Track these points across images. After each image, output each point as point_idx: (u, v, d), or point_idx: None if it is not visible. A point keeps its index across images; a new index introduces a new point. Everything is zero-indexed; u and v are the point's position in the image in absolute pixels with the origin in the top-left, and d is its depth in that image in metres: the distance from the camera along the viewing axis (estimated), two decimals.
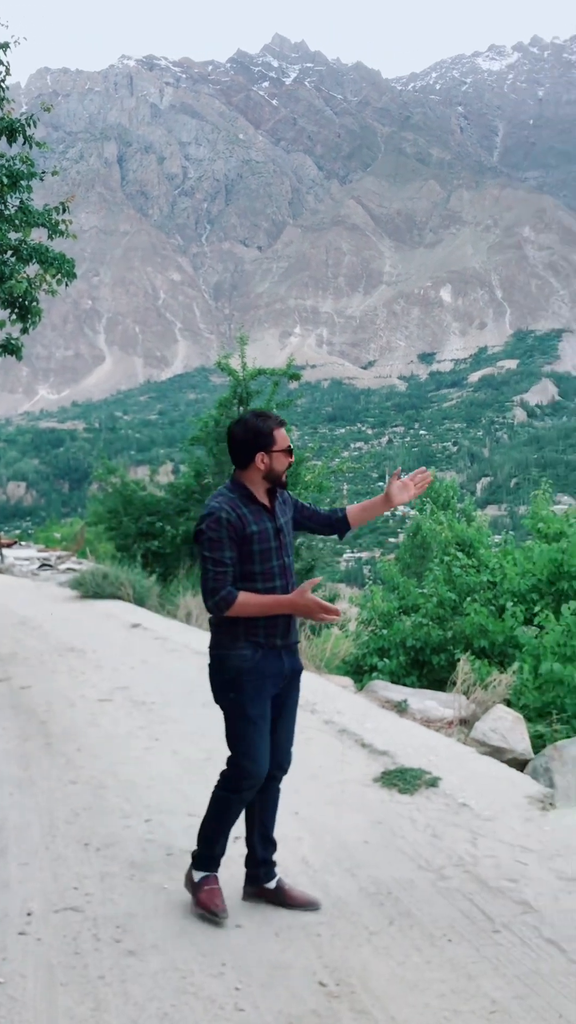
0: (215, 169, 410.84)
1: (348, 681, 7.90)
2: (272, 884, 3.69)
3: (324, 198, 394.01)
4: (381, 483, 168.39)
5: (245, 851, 3.77)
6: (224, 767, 3.65)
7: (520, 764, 5.57)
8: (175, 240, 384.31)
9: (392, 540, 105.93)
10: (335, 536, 3.98)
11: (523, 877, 3.84)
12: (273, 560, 3.58)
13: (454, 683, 7.03)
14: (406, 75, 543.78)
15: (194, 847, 3.74)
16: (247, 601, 3.47)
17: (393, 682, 8.63)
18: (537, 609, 8.72)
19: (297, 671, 3.72)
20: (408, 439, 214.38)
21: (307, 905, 3.62)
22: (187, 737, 6.00)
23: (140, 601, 12.44)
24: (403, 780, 4.98)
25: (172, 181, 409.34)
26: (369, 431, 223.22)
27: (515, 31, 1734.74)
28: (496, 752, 5.57)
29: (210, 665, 3.65)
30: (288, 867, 3.93)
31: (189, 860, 3.78)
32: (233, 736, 3.58)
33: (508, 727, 5.83)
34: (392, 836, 4.32)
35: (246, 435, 3.56)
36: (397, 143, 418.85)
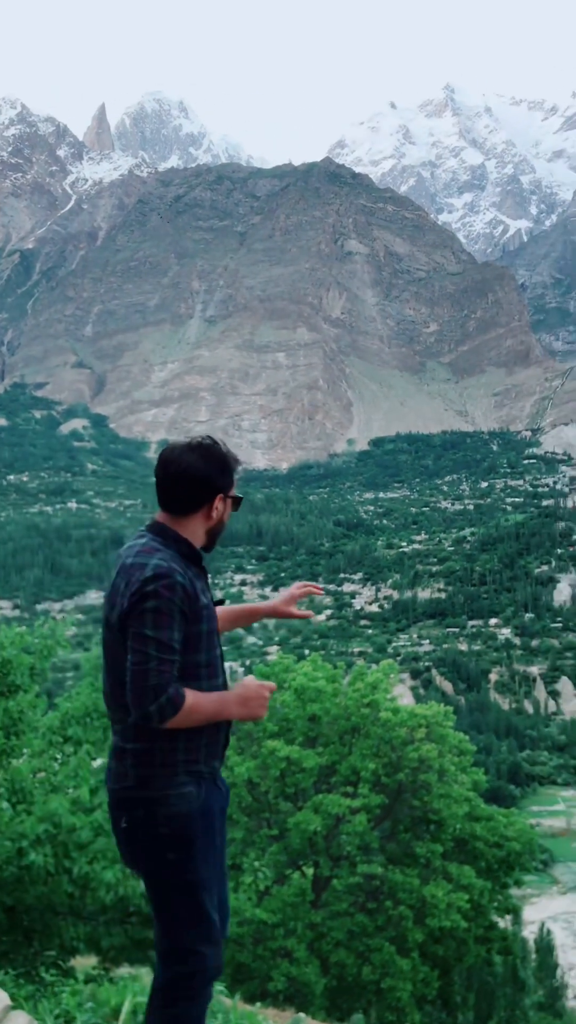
0: None
1: None
2: None
3: None
4: None
5: None
6: (162, 973, 2.40)
7: None
8: None
9: None
10: None
11: None
12: (216, 647, 2.47)
13: None
14: None
15: None
16: (198, 705, 2.32)
17: None
18: None
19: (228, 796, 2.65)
20: None
21: None
22: None
23: None
24: None
25: None
26: None
27: None
28: None
29: (131, 818, 2.40)
30: None
31: None
32: (179, 915, 2.35)
33: None
34: None
35: (208, 468, 2.45)
36: None
